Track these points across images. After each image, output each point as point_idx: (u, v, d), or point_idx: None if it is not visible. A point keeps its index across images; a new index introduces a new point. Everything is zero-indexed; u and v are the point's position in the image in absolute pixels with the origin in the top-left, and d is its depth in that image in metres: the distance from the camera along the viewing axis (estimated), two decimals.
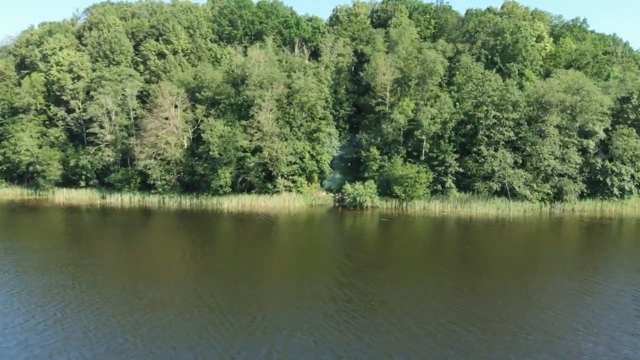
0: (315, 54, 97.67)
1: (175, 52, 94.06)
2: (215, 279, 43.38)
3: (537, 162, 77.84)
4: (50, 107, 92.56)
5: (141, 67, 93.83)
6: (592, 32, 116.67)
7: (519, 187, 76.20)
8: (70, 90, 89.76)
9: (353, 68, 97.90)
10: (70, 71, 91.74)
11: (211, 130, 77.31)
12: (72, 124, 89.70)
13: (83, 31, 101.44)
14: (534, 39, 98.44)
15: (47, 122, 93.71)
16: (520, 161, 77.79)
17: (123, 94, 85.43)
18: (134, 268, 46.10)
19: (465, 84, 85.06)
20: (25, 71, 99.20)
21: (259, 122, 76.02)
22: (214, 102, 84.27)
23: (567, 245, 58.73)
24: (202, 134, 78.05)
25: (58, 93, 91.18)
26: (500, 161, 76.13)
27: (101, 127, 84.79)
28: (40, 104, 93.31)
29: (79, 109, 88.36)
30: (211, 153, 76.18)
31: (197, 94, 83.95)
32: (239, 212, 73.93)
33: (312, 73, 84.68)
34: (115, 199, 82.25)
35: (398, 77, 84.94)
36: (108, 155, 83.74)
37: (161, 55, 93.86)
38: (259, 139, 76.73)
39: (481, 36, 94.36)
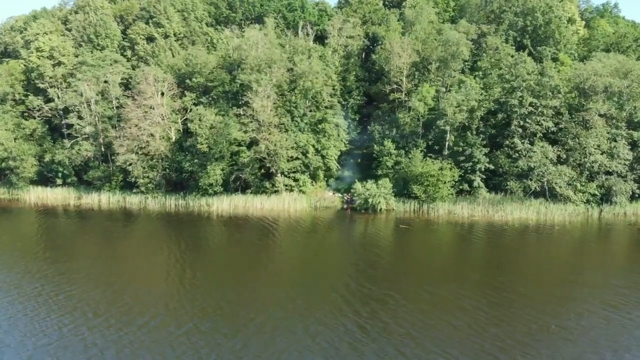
0: (321, 39, 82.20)
1: (166, 36, 79.25)
2: (198, 310, 30.46)
3: (582, 157, 61.91)
4: (29, 96, 78.13)
5: (128, 53, 79.19)
6: (624, 18, 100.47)
7: (560, 187, 60.31)
8: (50, 77, 75.24)
9: (363, 55, 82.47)
10: (51, 57, 77.27)
11: (200, 120, 62.41)
12: (51, 115, 75.14)
13: (69, 15, 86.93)
14: (566, 20, 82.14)
15: (26, 114, 79.29)
16: (563, 156, 61.82)
17: (105, 81, 70.74)
18: (98, 295, 31.30)
19: (493, 68, 69.27)
20: (7, 59, 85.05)
21: (254, 109, 60.85)
22: (207, 90, 69.39)
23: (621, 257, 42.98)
24: (189, 124, 63.17)
25: (37, 81, 76.76)
26: (541, 156, 60.29)
27: (80, 117, 70.24)
28: (18, 93, 78.89)
29: (58, 98, 73.80)
30: (199, 146, 61.28)
31: (188, 81, 69.10)
32: (230, 216, 58.97)
33: (317, 56, 69.26)
34: (92, 200, 67.59)
35: (416, 60, 69.34)
36: (86, 150, 69.10)
37: (151, 39, 79.14)
38: (254, 130, 61.60)
39: (508, 16, 78.24)
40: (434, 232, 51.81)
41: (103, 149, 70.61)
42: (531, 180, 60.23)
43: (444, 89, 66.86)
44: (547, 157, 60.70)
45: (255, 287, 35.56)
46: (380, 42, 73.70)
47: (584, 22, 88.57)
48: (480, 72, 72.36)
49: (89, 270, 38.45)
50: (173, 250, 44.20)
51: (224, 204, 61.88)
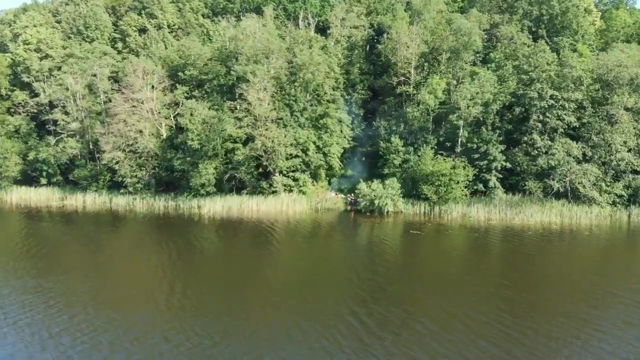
0: (323, 32, 75.19)
1: (159, 27, 72.57)
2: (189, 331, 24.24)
3: (607, 155, 54.81)
4: (16, 91, 71.59)
5: (119, 45, 72.61)
6: None
7: (584, 187, 53.21)
8: (36, 71, 68.65)
9: (368, 47, 75.48)
10: (38, 50, 70.78)
11: (191, 114, 55.64)
12: (36, 111, 68.52)
13: (59, 7, 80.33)
14: (583, 10, 74.86)
15: (12, 110, 72.76)
16: (589, 154, 54.72)
17: (93, 74, 64.09)
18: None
19: (508, 59, 62.15)
20: None
21: (249, 103, 54.01)
22: (201, 84, 62.64)
23: None
24: (179, 119, 56.49)
25: (23, 75, 70.24)
26: (564, 153, 53.27)
27: (65, 112, 63.63)
28: (5, 88, 72.45)
29: (44, 92, 67.18)
30: (189, 143, 54.53)
31: (181, 74, 62.36)
32: (223, 219, 52.24)
33: (318, 47, 62.28)
34: (76, 201, 60.95)
35: (424, 51, 62.33)
36: (71, 147, 62.48)
37: (143, 31, 72.53)
38: (250, 125, 54.76)
39: (522, 5, 70.96)
40: (448, 237, 44.91)
41: (91, 146, 63.93)
42: (553, 179, 53.13)
43: (455, 82, 59.77)
44: (570, 155, 53.68)
45: (249, 305, 28.77)
46: (386, 32, 66.62)
47: (599, 13, 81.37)
48: (493, 64, 65.38)
49: (66, 285, 31.81)
50: (159, 261, 37.51)
51: (216, 206, 55.10)
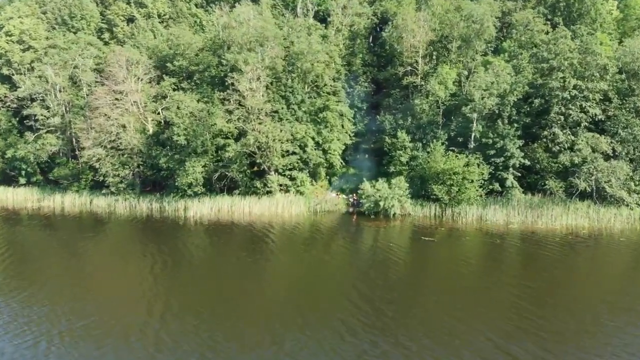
0: (323, 22, 68.25)
1: (149, 17, 65.79)
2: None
3: (636, 150, 47.88)
4: None
5: (106, 35, 65.83)
6: None
7: (610, 186, 46.27)
8: (17, 63, 62.00)
9: (371, 38, 68.69)
10: (21, 41, 64.11)
11: (178, 108, 48.93)
12: (17, 105, 61.84)
13: None
14: None
15: None
16: (618, 149, 47.77)
17: (75, 66, 57.41)
18: None
19: (524, 47, 55.16)
20: None
21: (240, 93, 47.22)
22: (190, 75, 55.88)
23: None
24: (164, 112, 49.83)
25: (4, 68, 63.57)
26: (590, 149, 46.40)
27: (44, 107, 57.01)
28: None
29: (24, 84, 60.47)
30: (175, 138, 47.83)
31: (169, 64, 55.58)
32: (210, 222, 45.53)
33: (318, 35, 55.40)
34: (54, 202, 54.28)
35: (433, 39, 55.42)
36: (51, 144, 55.89)
37: (131, 21, 65.76)
38: (241, 119, 47.95)
39: None
40: (465, 245, 38.06)
41: (74, 143, 57.21)
42: (579, 178, 46.19)
43: (466, 72, 52.82)
44: (596, 151, 46.78)
45: (239, 324, 22.21)
46: (390, 21, 59.66)
47: (616, 2, 74.30)
48: (506, 54, 58.38)
49: (27, 307, 25.26)
50: (138, 274, 31.09)
51: (204, 208, 48.35)
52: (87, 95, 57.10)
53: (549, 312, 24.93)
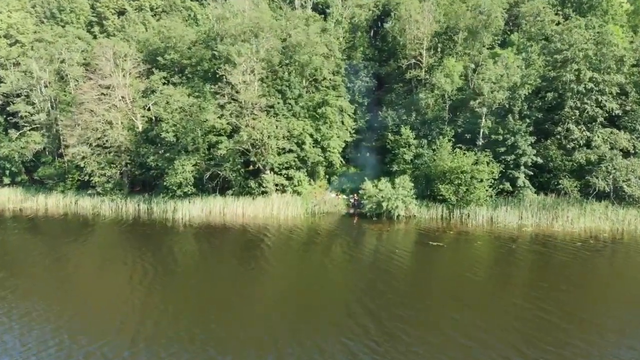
0: (323, 14, 64.16)
1: (140, 9, 61.78)
2: None
3: None
4: None
5: (96, 29, 61.85)
6: None
7: (629, 185, 42.11)
8: (4, 58, 57.96)
9: (372, 32, 64.68)
10: (8, 36, 60.14)
11: (167, 102, 44.90)
12: (1, 102, 57.76)
13: None
14: None
15: None
16: (638, 147, 43.63)
17: (62, 60, 53.43)
18: None
19: (534, 39, 51.06)
20: None
21: (233, 87, 43.13)
22: (182, 69, 51.84)
23: None
24: (152, 107, 45.84)
25: None
26: (609, 146, 42.33)
27: (29, 103, 53.01)
28: None
29: (8, 79, 56.42)
30: (163, 135, 43.83)
31: (160, 58, 51.53)
32: (200, 224, 41.45)
33: (317, 27, 51.22)
34: (38, 203, 50.25)
35: (438, 30, 51.33)
36: (35, 142, 51.92)
37: (122, 13, 61.79)
38: (234, 113, 43.83)
39: None
40: (477, 250, 33.90)
41: (60, 141, 53.10)
42: (597, 177, 42.07)
43: (472, 65, 48.65)
44: (615, 148, 42.70)
45: (230, 337, 18.17)
46: (393, 12, 55.52)
47: None
48: (514, 47, 54.24)
49: None
50: (119, 284, 26.93)
51: (194, 209, 44.26)
52: (74, 90, 53.15)
53: (584, 330, 20.91)
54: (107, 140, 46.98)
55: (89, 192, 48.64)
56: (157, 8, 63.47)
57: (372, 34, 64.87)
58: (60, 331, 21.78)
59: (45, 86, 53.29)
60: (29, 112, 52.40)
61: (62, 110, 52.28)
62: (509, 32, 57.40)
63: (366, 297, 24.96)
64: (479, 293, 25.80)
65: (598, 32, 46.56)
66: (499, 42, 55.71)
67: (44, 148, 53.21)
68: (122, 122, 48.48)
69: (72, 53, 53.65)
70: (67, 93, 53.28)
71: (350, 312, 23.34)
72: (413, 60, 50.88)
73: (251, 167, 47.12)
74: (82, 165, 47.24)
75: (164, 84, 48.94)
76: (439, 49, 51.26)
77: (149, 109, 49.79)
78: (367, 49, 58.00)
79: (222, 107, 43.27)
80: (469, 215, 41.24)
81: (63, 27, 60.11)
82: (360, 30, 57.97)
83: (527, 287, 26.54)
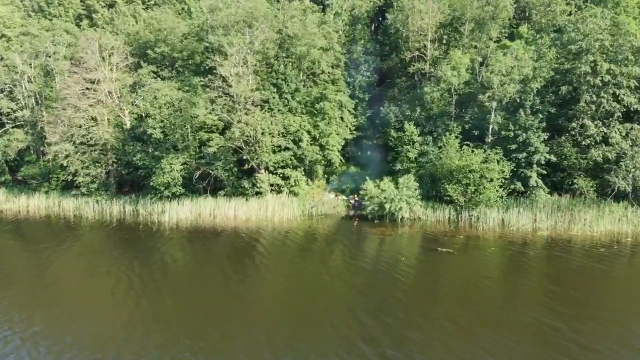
0: (321, 6, 60.28)
1: (131, 1, 58.03)
2: None
3: None
4: None
5: (85, 23, 58.13)
6: None
7: None
8: None
9: (374, 27, 60.98)
10: None
11: (155, 97, 41.15)
12: None
13: None
14: None
15: None
16: None
17: (47, 54, 49.78)
18: None
19: (544, 30, 47.34)
20: None
21: (224, 79, 39.35)
22: (173, 63, 48.12)
23: None
24: (137, 102, 42.11)
25: None
26: (630, 142, 38.51)
27: (11, 99, 49.34)
28: None
29: None
30: (150, 132, 40.12)
31: (150, 51, 47.83)
32: (188, 228, 37.68)
33: (316, 18, 47.37)
34: (19, 204, 46.52)
35: (443, 21, 47.55)
36: (18, 140, 48.28)
37: (112, 6, 58.06)
38: (225, 106, 40.01)
39: None
40: (491, 258, 29.99)
41: (42, 139, 49.42)
42: (617, 176, 38.23)
43: (480, 58, 44.82)
44: (636, 144, 38.88)
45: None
46: (395, 1, 51.61)
47: None
48: (523, 40, 50.42)
49: None
50: (97, 296, 23.13)
51: (183, 211, 40.52)
52: (59, 86, 49.42)
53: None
54: (91, 138, 43.24)
55: (73, 192, 44.94)
56: (149, 1, 59.73)
57: (373, 28, 61.21)
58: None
59: (30, 81, 49.66)
60: (11, 109, 48.76)
61: (47, 107, 48.69)
62: (514, 26, 53.64)
63: (365, 314, 21.22)
64: (498, 308, 22.03)
65: (613, 23, 42.76)
66: (507, 34, 51.93)
67: (28, 146, 49.55)
68: (108, 119, 44.80)
69: (57, 47, 49.98)
70: (52, 89, 49.58)
71: (350, 332, 19.61)
72: (417, 53, 47.10)
73: (246, 166, 43.31)
74: (65, 164, 43.51)
75: (153, 78, 45.17)
76: (444, 41, 47.48)
77: (137, 105, 46.04)
78: (368, 43, 54.19)
79: (212, 101, 39.43)
80: (478, 218, 37.41)
81: (50, 20, 56.48)
82: (360, 23, 54.23)
83: (553, 300, 22.69)
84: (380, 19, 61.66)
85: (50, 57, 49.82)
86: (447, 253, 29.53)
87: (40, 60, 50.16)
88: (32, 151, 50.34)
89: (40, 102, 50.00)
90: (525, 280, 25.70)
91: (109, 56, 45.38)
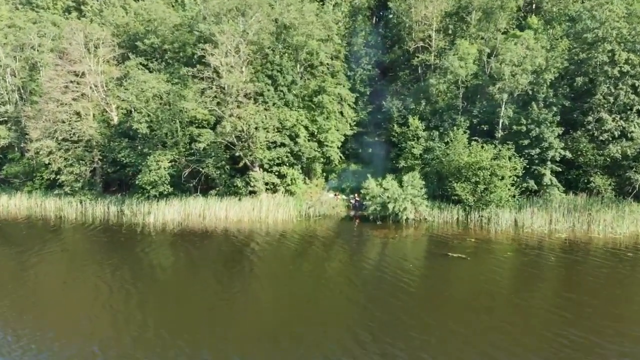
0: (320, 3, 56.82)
1: None
2: None
3: None
4: None
5: (74, 15, 54.81)
6: None
7: None
8: None
9: (375, 20, 57.56)
10: None
11: (142, 90, 37.74)
12: None
13: None
14: None
15: None
16: None
17: (32, 47, 46.46)
18: None
19: (556, 20, 43.90)
20: None
21: (214, 70, 35.93)
22: (163, 55, 44.76)
23: None
24: (120, 94, 38.73)
25: None
26: None
27: None
28: None
29: None
30: (135, 126, 36.74)
31: (139, 43, 44.51)
32: (175, 230, 34.21)
33: (314, 7, 43.90)
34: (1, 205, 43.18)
35: (449, 10, 44.12)
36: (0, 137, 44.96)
37: None
38: (216, 99, 36.57)
39: None
40: (508, 265, 26.45)
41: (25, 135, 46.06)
42: (638, 174, 34.77)
43: (487, 50, 41.36)
44: None
45: None
46: None
47: None
48: (534, 31, 46.95)
49: None
50: (74, 307, 19.76)
51: (170, 212, 37.09)
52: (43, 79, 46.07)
53: None
54: (74, 134, 39.86)
55: (56, 192, 41.58)
56: None
57: (374, 21, 57.80)
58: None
59: (13, 75, 46.33)
60: None
61: (32, 102, 45.34)
62: (521, 19, 50.15)
63: (369, 336, 17.79)
64: (525, 324, 18.59)
65: (628, 11, 39.23)
66: (515, 26, 48.45)
67: (11, 143, 46.19)
68: (93, 114, 41.45)
69: (43, 39, 46.65)
70: (37, 83, 46.25)
71: (347, 357, 16.21)
72: (421, 44, 43.68)
73: (241, 164, 39.76)
74: (46, 162, 40.15)
75: (141, 70, 41.75)
76: (449, 31, 44.05)
77: (125, 100, 42.62)
78: (369, 35, 50.75)
79: (202, 92, 35.96)
80: (489, 219, 33.93)
81: (37, 12, 53.19)
82: (361, 14, 50.82)
83: (591, 319, 19.26)
84: (381, 13, 58.35)
85: (35, 49, 46.52)
86: (458, 258, 26.08)
87: (26, 54, 46.93)
88: (16, 149, 47.00)
89: (25, 97, 46.70)
90: (549, 291, 22.25)
91: (95, 48, 42.07)
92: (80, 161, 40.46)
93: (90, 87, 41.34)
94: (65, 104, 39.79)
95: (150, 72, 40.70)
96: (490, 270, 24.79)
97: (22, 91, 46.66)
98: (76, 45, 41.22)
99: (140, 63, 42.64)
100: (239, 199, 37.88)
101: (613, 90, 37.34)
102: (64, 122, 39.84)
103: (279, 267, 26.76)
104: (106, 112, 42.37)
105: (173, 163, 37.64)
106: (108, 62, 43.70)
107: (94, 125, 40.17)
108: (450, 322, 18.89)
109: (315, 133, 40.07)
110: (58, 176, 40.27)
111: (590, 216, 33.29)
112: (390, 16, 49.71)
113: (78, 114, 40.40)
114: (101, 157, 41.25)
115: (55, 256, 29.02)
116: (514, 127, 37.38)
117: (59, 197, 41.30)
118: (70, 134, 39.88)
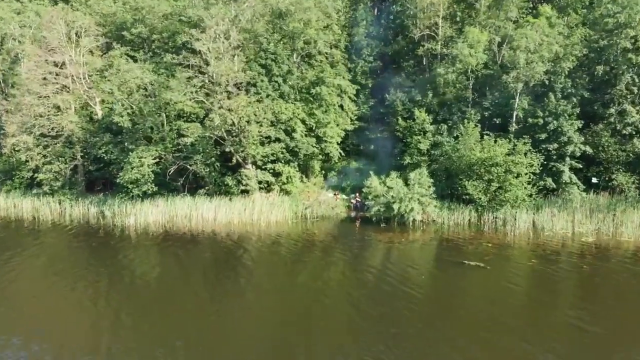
0: None
1: None
2: None
3: None
4: None
5: (60, 6, 51.05)
6: None
7: None
8: None
9: (377, 11, 53.80)
10: None
11: (124, 80, 34.04)
12: None
13: None
14: None
15: None
16: None
17: (14, 37, 42.88)
18: None
19: (570, 7, 40.11)
20: None
21: (201, 56, 32.22)
22: (151, 45, 41.14)
23: None
24: (103, 86, 35.08)
25: None
26: None
27: None
28: None
29: None
30: (117, 120, 33.09)
31: (126, 33, 40.88)
32: (158, 233, 30.48)
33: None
34: None
35: None
36: None
37: None
38: (202, 90, 32.84)
39: None
40: (534, 274, 22.58)
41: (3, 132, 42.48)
42: None
43: (498, 39, 37.58)
44: None
45: None
46: None
47: None
48: (544, 18, 43.18)
49: None
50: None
51: (154, 213, 33.37)
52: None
53: None
54: (53, 128, 36.19)
55: (34, 191, 37.93)
56: None
57: (376, 12, 54.10)
58: None
59: None
60: None
61: (12, 95, 41.69)
62: (532, 8, 46.39)
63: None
64: (554, 350, 14.89)
65: None
66: (526, 13, 44.66)
67: None
68: (75, 107, 37.81)
69: (24, 29, 43.05)
70: (18, 75, 42.61)
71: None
72: (427, 32, 39.93)
73: (233, 161, 35.92)
74: (24, 159, 36.51)
75: (126, 60, 38.03)
76: (457, 19, 40.30)
77: (110, 92, 38.94)
78: (370, 26, 47.02)
79: (187, 81, 32.18)
80: (504, 221, 30.21)
81: (22, 3, 49.56)
82: (362, 2, 47.07)
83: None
84: (382, 4, 54.68)
85: (17, 40, 42.93)
86: (475, 267, 22.33)
87: (7, 45, 43.37)
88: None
89: (5, 90, 43.12)
90: (589, 307, 18.52)
91: (77, 37, 38.41)
92: (60, 158, 36.80)
93: (72, 79, 37.70)
94: (45, 96, 36.13)
95: (136, 62, 36.96)
96: (514, 281, 21.01)
97: (2, 85, 43.09)
98: (56, 33, 37.57)
99: (126, 53, 38.90)
100: (230, 199, 34.15)
101: (637, 80, 33.69)
102: (42, 116, 36.21)
103: (271, 276, 23.04)
104: (89, 105, 38.73)
105: (158, 160, 33.96)
106: (92, 53, 40.15)
107: (74, 120, 36.50)
108: (475, 347, 15.13)
109: (313, 127, 36.31)
110: (36, 174, 36.66)
111: (615, 217, 29.55)
112: (394, 6, 46.01)
113: (58, 107, 36.73)
114: (83, 154, 37.62)
115: (24, 264, 25.34)
116: (530, 120, 33.64)
117: (37, 197, 37.64)
118: (48, 129, 36.21)
